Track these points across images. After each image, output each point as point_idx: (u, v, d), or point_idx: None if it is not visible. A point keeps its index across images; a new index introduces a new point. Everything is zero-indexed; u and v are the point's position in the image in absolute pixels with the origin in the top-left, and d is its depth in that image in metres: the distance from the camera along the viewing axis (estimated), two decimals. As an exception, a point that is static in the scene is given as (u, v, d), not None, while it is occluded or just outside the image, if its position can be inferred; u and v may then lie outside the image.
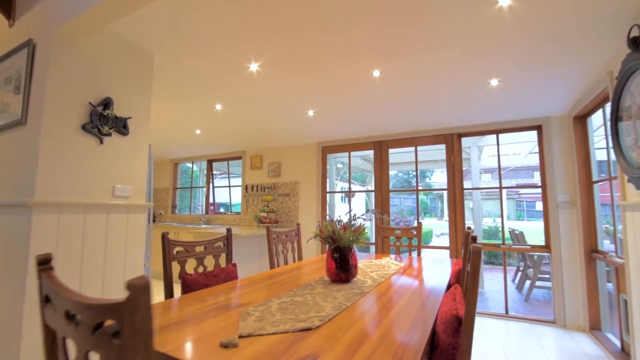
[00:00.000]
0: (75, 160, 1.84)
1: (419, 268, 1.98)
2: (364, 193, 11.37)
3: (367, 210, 1.69)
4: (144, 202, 2.20)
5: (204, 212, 5.76)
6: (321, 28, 1.83)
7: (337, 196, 5.88)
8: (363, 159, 8.71)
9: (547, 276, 3.91)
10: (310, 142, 4.55)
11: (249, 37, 1.95)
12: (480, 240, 4.73)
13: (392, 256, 2.40)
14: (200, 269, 1.53)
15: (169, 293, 1.33)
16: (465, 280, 0.84)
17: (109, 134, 2.00)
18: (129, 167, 2.12)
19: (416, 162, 3.86)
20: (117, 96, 2.05)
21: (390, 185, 3.99)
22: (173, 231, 4.97)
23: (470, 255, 0.85)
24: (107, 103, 1.99)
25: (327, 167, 5.96)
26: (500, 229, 3.39)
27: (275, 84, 2.59)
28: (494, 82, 2.46)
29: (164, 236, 1.36)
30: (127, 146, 2.12)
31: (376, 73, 2.36)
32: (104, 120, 1.97)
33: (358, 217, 1.45)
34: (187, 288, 1.35)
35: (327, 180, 5.94)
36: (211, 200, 5.76)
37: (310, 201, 4.46)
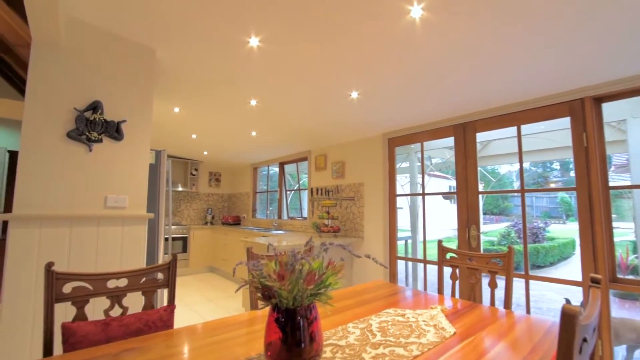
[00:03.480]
0: (61, 170, 1.72)
1: (494, 340, 1.08)
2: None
3: (323, 243, 0.96)
4: (143, 213, 1.98)
5: (276, 217, 5.64)
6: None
7: (425, 199, 4.84)
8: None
9: None
10: (373, 134, 3.77)
11: (241, 4, 1.46)
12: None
13: (480, 300, 1.49)
14: (118, 312, 1.11)
15: (47, 349, 0.94)
16: None
17: (99, 140, 1.83)
18: (125, 175, 1.93)
19: (519, 148, 2.64)
20: (107, 98, 1.87)
21: (517, 184, 2.85)
22: (244, 235, 4.97)
23: None
24: (95, 107, 1.83)
25: (408, 163, 4.99)
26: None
27: (284, 62, 2.03)
28: (660, -22, 1.26)
29: (47, 268, 0.99)
30: (122, 152, 1.92)
31: (415, 12, 1.53)
32: (92, 126, 1.81)
33: (301, 257, 0.76)
34: (68, 345, 0.94)
35: (412, 178, 4.97)
36: (284, 204, 5.59)
37: (376, 206, 3.68)
